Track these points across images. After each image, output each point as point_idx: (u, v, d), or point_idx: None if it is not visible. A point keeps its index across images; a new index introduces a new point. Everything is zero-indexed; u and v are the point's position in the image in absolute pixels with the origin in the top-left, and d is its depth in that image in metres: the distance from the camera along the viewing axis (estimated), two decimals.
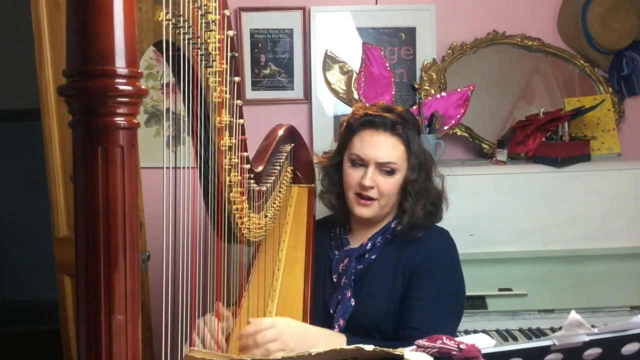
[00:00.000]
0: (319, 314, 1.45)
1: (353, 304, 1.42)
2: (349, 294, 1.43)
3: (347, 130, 1.51)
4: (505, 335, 1.88)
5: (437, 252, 1.46)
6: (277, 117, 2.10)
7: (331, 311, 1.45)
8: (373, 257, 1.48)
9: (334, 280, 1.49)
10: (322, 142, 2.26)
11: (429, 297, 1.38)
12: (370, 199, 1.45)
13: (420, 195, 1.46)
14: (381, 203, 1.46)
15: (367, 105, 1.55)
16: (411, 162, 1.46)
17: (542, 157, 2.09)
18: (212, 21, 1.03)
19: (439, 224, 1.54)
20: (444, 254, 1.46)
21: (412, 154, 1.46)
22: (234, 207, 1.24)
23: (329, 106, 2.34)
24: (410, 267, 1.43)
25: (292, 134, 1.66)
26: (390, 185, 1.45)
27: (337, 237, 1.58)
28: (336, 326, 1.41)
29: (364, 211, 1.46)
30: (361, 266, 1.48)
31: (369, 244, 1.50)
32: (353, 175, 1.47)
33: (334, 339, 1.27)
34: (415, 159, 1.46)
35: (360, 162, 1.46)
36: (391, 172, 1.44)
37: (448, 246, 1.49)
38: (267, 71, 2.34)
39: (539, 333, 1.89)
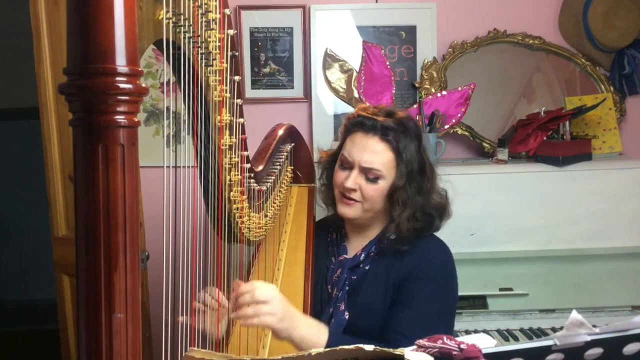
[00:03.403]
0: None
1: (347, 317, 1.40)
2: (342, 307, 1.41)
3: (344, 130, 1.48)
4: (506, 335, 1.88)
5: (428, 260, 1.41)
6: (277, 115, 2.10)
7: None
8: (367, 267, 1.44)
9: (329, 290, 1.47)
10: (322, 141, 2.24)
11: (416, 304, 1.35)
12: (353, 200, 1.41)
13: (407, 206, 1.39)
14: (364, 206, 1.41)
15: (369, 106, 1.50)
16: (399, 170, 1.38)
17: (543, 156, 2.09)
18: (213, 20, 1.03)
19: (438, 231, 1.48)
20: (435, 262, 1.41)
21: (401, 162, 1.38)
22: (234, 206, 1.24)
23: (329, 105, 2.33)
24: (401, 277, 1.39)
25: (292, 134, 1.66)
26: (373, 191, 1.39)
27: (333, 243, 1.55)
28: None
29: (346, 210, 1.42)
30: (355, 277, 1.44)
31: (363, 255, 1.46)
32: (340, 175, 1.44)
33: (315, 330, 1.25)
34: (405, 167, 1.38)
35: (347, 164, 1.42)
36: (374, 180, 1.39)
37: (441, 255, 1.44)
38: (267, 70, 2.34)
39: (540, 333, 1.88)
